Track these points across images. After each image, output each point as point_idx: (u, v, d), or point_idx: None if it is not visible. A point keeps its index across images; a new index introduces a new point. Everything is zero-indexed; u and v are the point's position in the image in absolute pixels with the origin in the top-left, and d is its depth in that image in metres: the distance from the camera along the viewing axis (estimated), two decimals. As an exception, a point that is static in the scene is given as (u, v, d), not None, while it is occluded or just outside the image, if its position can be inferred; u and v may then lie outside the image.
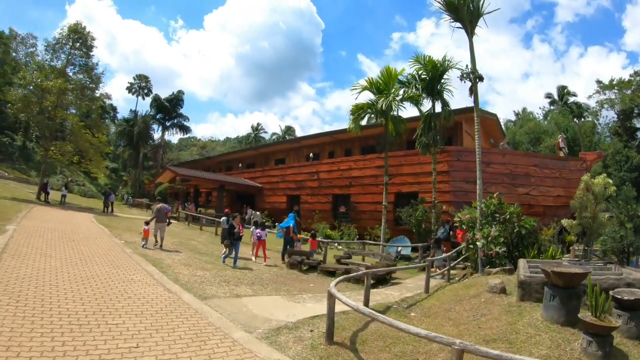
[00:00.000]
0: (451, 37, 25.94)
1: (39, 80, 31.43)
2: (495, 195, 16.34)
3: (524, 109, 66.82)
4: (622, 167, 45.87)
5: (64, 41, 34.70)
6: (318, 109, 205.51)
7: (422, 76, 22.62)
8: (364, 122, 25.05)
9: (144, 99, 63.66)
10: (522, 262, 10.52)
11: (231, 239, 14.97)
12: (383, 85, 22.37)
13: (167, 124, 59.27)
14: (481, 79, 17.62)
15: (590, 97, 56.24)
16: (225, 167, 48.85)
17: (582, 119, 56.57)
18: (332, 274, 15.11)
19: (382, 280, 14.69)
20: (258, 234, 16.57)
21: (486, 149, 29.95)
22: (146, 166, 60.45)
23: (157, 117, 58.78)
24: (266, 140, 75.64)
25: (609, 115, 56.73)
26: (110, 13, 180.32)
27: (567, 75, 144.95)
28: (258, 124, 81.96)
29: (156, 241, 16.07)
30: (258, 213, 32.22)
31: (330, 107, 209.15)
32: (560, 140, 31.17)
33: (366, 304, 9.22)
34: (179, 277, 11.00)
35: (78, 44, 34.96)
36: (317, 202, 32.48)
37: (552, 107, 61.48)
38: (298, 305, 9.75)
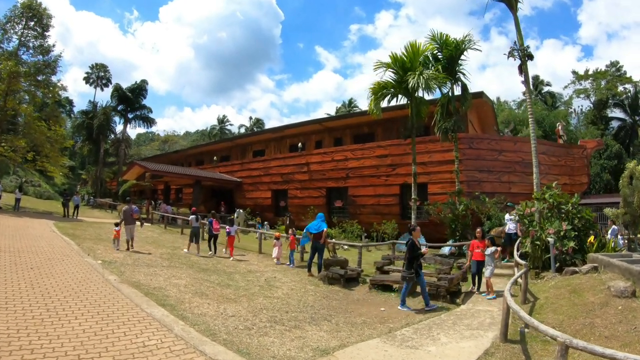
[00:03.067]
0: (484, 15, 22.99)
1: (-15, 63, 26.08)
2: (554, 185, 13.94)
3: (498, 99, 64.84)
4: (602, 154, 44.56)
5: (16, 20, 29.30)
6: (276, 101, 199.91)
7: (439, 57, 19.90)
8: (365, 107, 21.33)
9: (102, 90, 57.22)
10: (609, 259, 9.54)
11: (414, 265, 9.78)
12: (408, 63, 18.78)
13: (130, 116, 53.04)
14: (531, 57, 15.73)
15: (565, 87, 56.21)
16: (195, 161, 43.95)
17: (556, 108, 55.46)
18: (387, 288, 11.72)
19: (454, 292, 11.19)
20: (227, 230, 16.19)
21: (498, 137, 27.45)
22: (107, 163, 54.33)
23: (119, 108, 52.43)
24: (233, 133, 70.58)
25: (583, 105, 56.88)
26: (64, 3, 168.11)
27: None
28: (224, 116, 76.64)
29: (128, 247, 14.57)
30: (242, 211, 27.98)
31: (289, 99, 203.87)
32: (559, 127, 29.36)
33: (505, 334, 6.92)
34: (210, 324, 7.01)
35: (32, 22, 29.67)
36: (308, 197, 28.59)
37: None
38: (421, 354, 6.39)
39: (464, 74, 20.10)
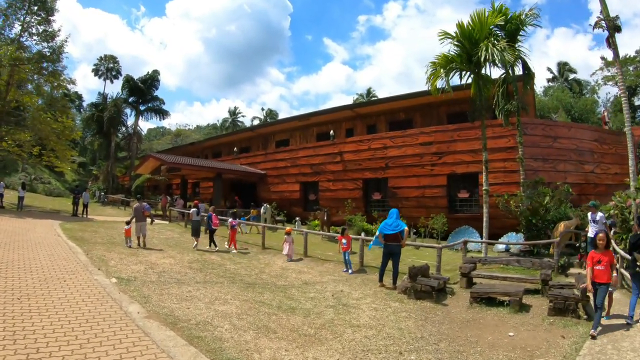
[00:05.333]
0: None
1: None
2: None
3: (520, 86, 61.50)
4: (633, 143, 41.35)
5: (18, 4, 26.28)
6: (286, 94, 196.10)
7: (495, 32, 16.66)
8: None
9: (112, 82, 53.80)
10: None
11: None
12: (476, 35, 15.59)
13: (142, 108, 49.58)
14: (618, 29, 13.98)
15: (593, 74, 52.61)
16: (212, 153, 40.90)
17: (582, 96, 52.09)
18: (491, 301, 8.89)
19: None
20: (232, 223, 15.59)
21: (552, 122, 24.59)
22: (118, 157, 51.16)
23: (130, 100, 48.85)
24: (245, 125, 67.36)
25: (610, 92, 53.21)
26: (71, 1, 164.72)
27: (535, 55, 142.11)
28: (236, 108, 73.21)
29: (139, 243, 13.62)
30: (268, 206, 24.85)
31: (298, 92, 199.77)
32: (605, 113, 26.66)
33: None
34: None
35: (36, 7, 26.59)
36: (342, 189, 25.44)
37: (551, 84, 56.49)
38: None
39: (523, 52, 17.08)
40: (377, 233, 10.64)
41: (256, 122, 65.88)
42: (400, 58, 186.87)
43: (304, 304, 8.23)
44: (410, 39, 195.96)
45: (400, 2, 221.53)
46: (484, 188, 15.74)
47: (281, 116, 67.94)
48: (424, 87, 17.24)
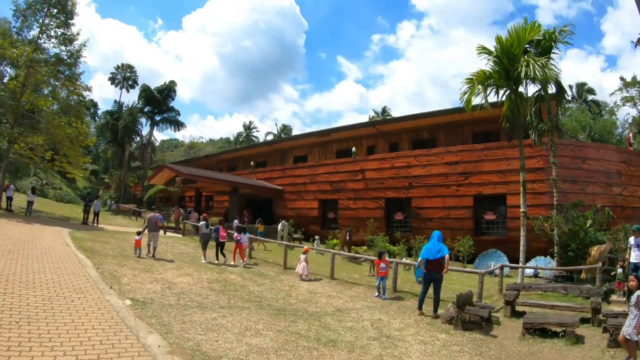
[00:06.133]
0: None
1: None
2: None
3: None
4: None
5: (38, 6, 25.64)
6: (298, 111, 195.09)
7: (528, 49, 15.50)
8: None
9: (128, 91, 53.39)
10: None
11: None
12: (515, 49, 14.54)
13: (157, 118, 48.79)
14: None
15: (612, 94, 51.58)
16: (227, 166, 39.89)
17: (601, 117, 50.98)
18: (543, 332, 8.03)
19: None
20: (238, 238, 15.46)
21: (580, 143, 23.39)
22: (131, 167, 50.38)
23: (146, 110, 48.02)
24: (259, 140, 66.48)
25: (630, 113, 51.88)
26: (89, 11, 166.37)
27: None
28: (250, 122, 72.41)
29: (149, 251, 13.78)
30: (286, 223, 23.65)
31: (310, 109, 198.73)
32: (630, 135, 25.59)
33: None
34: None
35: (55, 9, 25.91)
36: (363, 208, 24.30)
37: (569, 105, 55.34)
38: None
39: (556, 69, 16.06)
40: (420, 259, 9.49)
41: (270, 137, 64.86)
42: (414, 78, 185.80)
43: (343, 335, 7.15)
44: (424, 59, 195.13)
45: (414, 22, 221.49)
46: (521, 210, 14.57)
47: (294, 133, 66.96)
48: (437, 107, 16.37)
